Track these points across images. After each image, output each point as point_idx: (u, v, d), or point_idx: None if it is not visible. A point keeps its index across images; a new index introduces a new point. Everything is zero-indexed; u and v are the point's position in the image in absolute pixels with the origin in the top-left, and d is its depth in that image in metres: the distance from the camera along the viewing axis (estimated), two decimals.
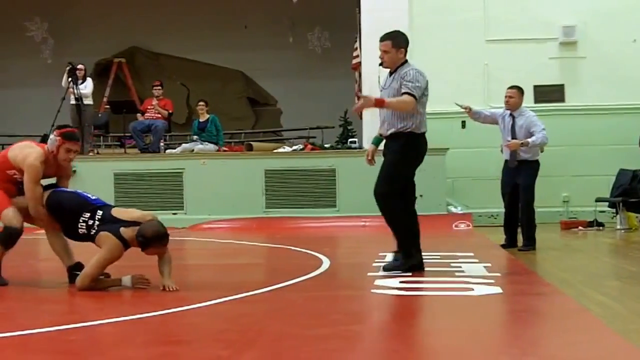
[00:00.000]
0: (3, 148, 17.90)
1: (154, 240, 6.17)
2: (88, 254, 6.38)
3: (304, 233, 12.36)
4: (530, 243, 9.52)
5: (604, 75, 14.79)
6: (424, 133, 7.24)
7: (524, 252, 9.27)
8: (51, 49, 21.88)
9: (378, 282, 6.52)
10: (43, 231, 6.83)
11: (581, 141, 14.31)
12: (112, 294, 6.10)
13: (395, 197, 7.19)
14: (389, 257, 8.43)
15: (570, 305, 5.51)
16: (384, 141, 7.45)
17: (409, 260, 7.13)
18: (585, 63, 14.93)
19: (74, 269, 6.58)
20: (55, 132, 6.72)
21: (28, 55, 21.62)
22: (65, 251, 6.73)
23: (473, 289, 6.10)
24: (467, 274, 7.02)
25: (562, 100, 14.71)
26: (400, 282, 6.53)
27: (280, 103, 21.43)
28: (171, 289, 6.18)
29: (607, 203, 13.67)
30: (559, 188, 14.34)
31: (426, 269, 7.41)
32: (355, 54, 15.79)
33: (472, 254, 8.67)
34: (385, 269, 7.16)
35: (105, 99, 19.63)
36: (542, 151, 9.69)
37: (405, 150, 7.16)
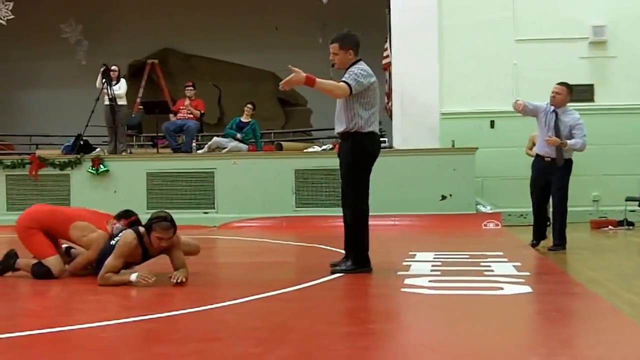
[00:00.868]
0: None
1: (155, 220, 6.30)
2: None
3: (334, 232, 12.35)
4: (560, 243, 9.48)
5: (634, 75, 14.70)
6: (371, 132, 7.22)
7: (554, 252, 9.26)
8: (85, 51, 22.08)
9: (408, 281, 6.53)
10: None
11: (611, 141, 14.24)
12: (144, 292, 6.16)
13: (363, 201, 7.19)
14: (419, 256, 8.48)
15: (600, 305, 5.49)
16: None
17: (364, 267, 7.15)
18: (615, 63, 14.84)
19: None
20: (122, 222, 6.82)
21: (63, 56, 21.84)
22: None
23: (502, 288, 6.10)
24: (497, 273, 7.01)
25: (591, 100, 14.64)
26: (430, 281, 6.54)
27: (310, 103, 21.48)
28: (177, 280, 6.25)
29: (637, 202, 13.60)
30: (589, 187, 14.28)
31: (455, 268, 7.44)
32: (385, 54, 15.80)
33: (501, 253, 8.64)
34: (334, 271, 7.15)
35: (138, 100, 19.77)
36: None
37: (354, 151, 7.18)
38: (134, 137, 18.86)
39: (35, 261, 6.98)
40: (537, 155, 9.72)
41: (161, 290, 6.23)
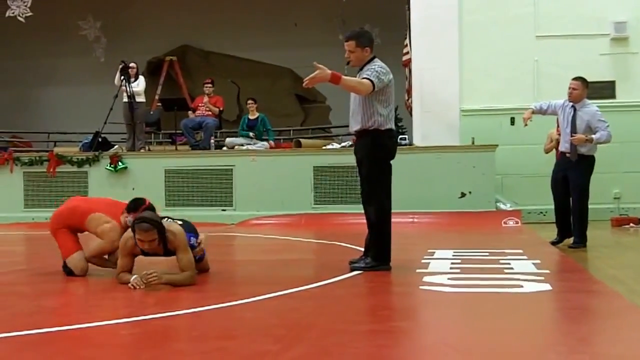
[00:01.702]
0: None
1: (135, 221, 6.26)
2: None
3: (353, 229, 12.35)
4: (581, 240, 9.44)
5: None
6: (389, 129, 7.21)
7: (574, 250, 9.21)
8: (104, 48, 22.20)
9: (427, 278, 6.51)
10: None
11: (632, 138, 14.11)
12: (163, 289, 6.14)
13: (385, 197, 7.19)
14: (438, 253, 8.44)
15: (621, 303, 5.45)
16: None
17: (384, 264, 7.14)
18: (637, 59, 14.69)
19: None
20: (132, 215, 6.72)
21: (81, 53, 21.95)
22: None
23: (522, 286, 6.07)
24: (516, 271, 6.98)
25: (613, 96, 14.52)
26: (449, 278, 6.52)
27: (329, 100, 21.45)
28: (136, 284, 6.16)
29: None
30: (609, 185, 14.17)
31: (475, 265, 7.41)
32: (405, 50, 15.75)
33: (521, 251, 8.60)
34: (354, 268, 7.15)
35: (157, 97, 19.80)
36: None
37: (374, 149, 7.15)
38: (152, 134, 18.92)
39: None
40: (561, 152, 9.68)
41: (180, 288, 6.21)
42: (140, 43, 21.00)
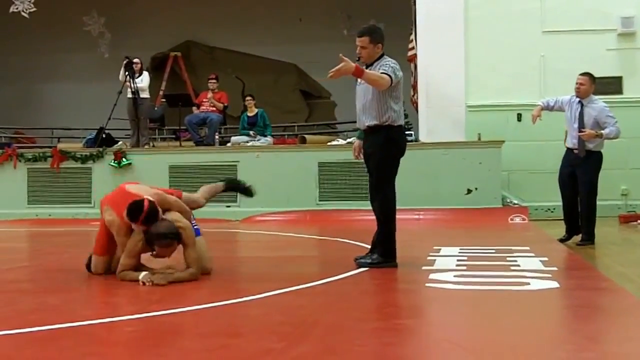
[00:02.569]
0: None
1: (156, 237, 6.20)
2: None
3: (358, 225, 12.32)
4: (589, 237, 9.39)
5: None
6: (401, 125, 7.17)
7: (581, 247, 9.16)
8: (108, 44, 22.19)
9: (433, 275, 6.48)
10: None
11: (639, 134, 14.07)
12: (168, 286, 6.11)
13: (390, 190, 7.17)
14: (444, 250, 8.39)
15: (629, 300, 5.42)
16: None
17: (391, 260, 7.10)
18: None
19: None
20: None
21: (85, 49, 21.95)
22: None
23: (529, 283, 6.04)
24: (523, 268, 6.93)
25: (619, 92, 14.46)
26: (455, 276, 6.49)
27: (335, 96, 21.41)
28: (147, 280, 6.15)
29: None
30: (617, 181, 14.11)
31: (481, 263, 7.36)
32: (410, 45, 15.71)
33: (528, 248, 8.56)
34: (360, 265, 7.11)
35: (161, 93, 19.81)
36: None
37: (388, 145, 7.13)
38: (157, 130, 18.88)
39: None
40: (567, 148, 9.62)
41: (185, 284, 6.20)
42: (145, 39, 20.99)
